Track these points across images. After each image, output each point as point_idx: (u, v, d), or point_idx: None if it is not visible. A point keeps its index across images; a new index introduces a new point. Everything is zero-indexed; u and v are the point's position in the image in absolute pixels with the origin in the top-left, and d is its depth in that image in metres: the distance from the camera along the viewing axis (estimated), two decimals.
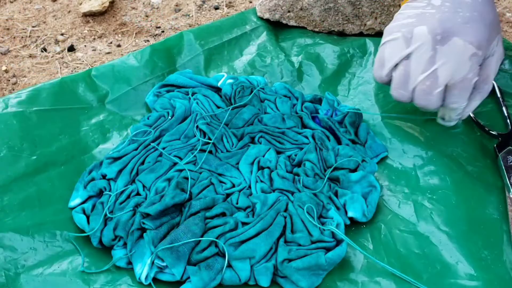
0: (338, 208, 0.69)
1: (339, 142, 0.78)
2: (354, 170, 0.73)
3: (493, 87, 0.84)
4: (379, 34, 0.98)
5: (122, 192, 0.70)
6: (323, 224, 0.66)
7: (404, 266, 0.63)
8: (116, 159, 0.75)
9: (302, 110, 0.83)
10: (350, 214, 0.68)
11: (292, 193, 0.71)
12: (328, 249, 0.63)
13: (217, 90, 0.87)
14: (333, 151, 0.75)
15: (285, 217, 0.66)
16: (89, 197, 0.71)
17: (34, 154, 0.74)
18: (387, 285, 0.61)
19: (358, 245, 0.64)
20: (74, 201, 0.71)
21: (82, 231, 0.67)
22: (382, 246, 0.66)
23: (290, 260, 0.62)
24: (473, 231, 0.65)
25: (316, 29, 0.99)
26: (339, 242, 0.64)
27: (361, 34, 0.98)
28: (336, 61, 0.91)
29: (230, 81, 0.87)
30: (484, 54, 0.63)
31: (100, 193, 0.72)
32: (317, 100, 0.86)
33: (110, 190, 0.71)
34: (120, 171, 0.73)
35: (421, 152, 0.74)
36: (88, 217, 0.68)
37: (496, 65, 0.66)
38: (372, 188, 0.71)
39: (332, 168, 0.73)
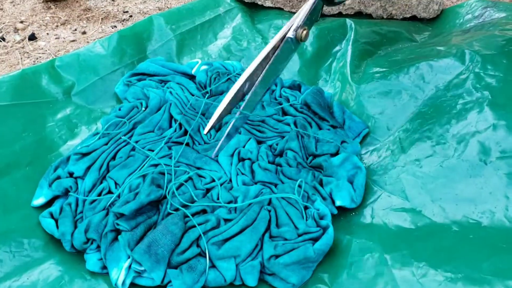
0: (324, 198, 0.66)
1: (320, 128, 0.75)
2: (335, 154, 0.70)
3: None
4: (359, 13, 0.95)
5: (90, 190, 0.66)
6: (307, 215, 0.63)
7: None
8: (84, 154, 0.70)
9: (280, 96, 0.80)
10: (338, 203, 0.65)
11: (276, 185, 0.67)
12: (315, 239, 0.60)
13: (192, 77, 0.83)
14: (314, 138, 0.72)
15: (269, 211, 0.63)
16: (55, 197, 0.67)
17: None
18: (378, 259, 0.58)
19: (348, 231, 0.61)
20: (38, 200, 0.66)
21: (52, 237, 0.62)
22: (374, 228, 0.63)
23: (277, 256, 0.59)
24: None
25: (294, 10, 0.95)
26: (325, 229, 0.61)
27: (340, 14, 0.95)
28: (316, 43, 0.88)
29: (205, 67, 0.83)
30: None
31: (66, 193, 0.67)
32: (296, 86, 0.82)
33: (77, 189, 0.67)
34: (88, 168, 0.69)
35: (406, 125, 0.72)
36: (57, 221, 0.63)
37: None
38: (357, 170, 0.67)
39: (312, 156, 0.70)
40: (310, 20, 0.66)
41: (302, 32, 0.65)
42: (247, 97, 0.61)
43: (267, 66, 0.62)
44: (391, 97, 0.75)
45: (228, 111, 0.60)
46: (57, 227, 0.62)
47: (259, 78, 0.62)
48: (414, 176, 0.64)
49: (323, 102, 0.77)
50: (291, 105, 0.77)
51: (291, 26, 0.64)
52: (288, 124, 0.75)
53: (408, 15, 0.95)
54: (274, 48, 0.63)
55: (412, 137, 0.68)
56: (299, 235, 0.61)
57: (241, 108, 0.61)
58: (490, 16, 0.86)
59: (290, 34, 0.64)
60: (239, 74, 0.82)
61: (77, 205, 0.65)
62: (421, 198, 0.62)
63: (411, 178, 0.64)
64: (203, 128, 0.74)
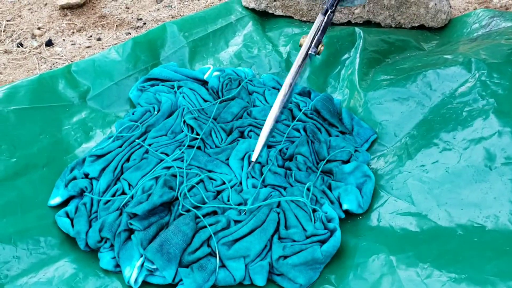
0: (332, 202, 0.67)
1: (330, 134, 0.77)
2: (347, 161, 0.71)
3: None
4: (368, 22, 0.96)
5: (105, 191, 0.68)
6: (315, 218, 0.65)
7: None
8: (99, 156, 0.72)
9: (291, 103, 0.81)
10: (345, 206, 0.66)
11: (285, 188, 0.69)
12: (323, 242, 0.62)
13: (204, 83, 0.85)
14: (325, 143, 0.73)
15: (278, 213, 0.64)
16: (70, 197, 0.68)
17: (14, 156, 0.71)
18: (383, 260, 0.59)
19: (353, 234, 0.62)
20: (54, 200, 0.68)
21: (68, 236, 0.64)
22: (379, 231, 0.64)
23: (285, 257, 0.60)
24: None
25: (304, 18, 0.97)
26: (332, 232, 0.63)
27: (349, 23, 0.97)
28: (325, 51, 0.89)
29: (217, 73, 0.85)
30: None
31: (82, 193, 0.69)
32: (306, 93, 0.84)
33: (92, 190, 0.68)
34: (103, 170, 0.70)
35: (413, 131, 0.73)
36: (72, 220, 0.65)
37: None
38: (367, 178, 0.69)
39: (325, 161, 0.71)
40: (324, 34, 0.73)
41: (321, 47, 0.71)
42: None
43: (299, 72, 0.70)
44: (398, 104, 0.76)
45: (272, 129, 0.66)
46: (72, 226, 0.64)
47: (290, 90, 0.69)
48: (420, 181, 0.65)
49: (333, 108, 0.79)
50: (310, 116, 0.79)
51: (313, 41, 0.70)
52: (298, 130, 0.76)
53: (416, 24, 0.97)
54: (304, 59, 0.70)
55: (418, 143, 0.70)
56: (307, 237, 0.62)
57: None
58: (497, 25, 0.87)
59: (312, 51, 0.70)
60: (251, 80, 0.84)
61: (92, 205, 0.67)
62: (427, 202, 0.63)
63: (418, 183, 0.65)
64: (215, 133, 0.76)
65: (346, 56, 0.89)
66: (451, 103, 0.71)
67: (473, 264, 0.53)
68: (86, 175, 0.70)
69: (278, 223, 0.64)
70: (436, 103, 0.73)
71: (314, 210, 0.66)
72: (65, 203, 0.68)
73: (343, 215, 0.66)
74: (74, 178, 0.69)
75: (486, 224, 0.58)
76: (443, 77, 0.74)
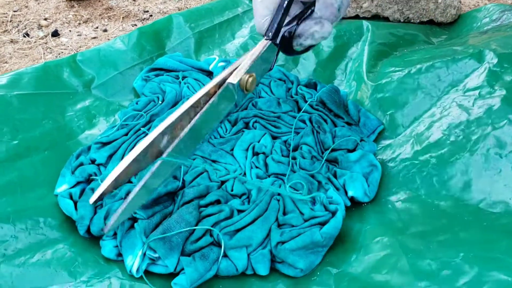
0: (337, 189, 0.66)
1: (336, 124, 0.76)
2: (352, 150, 0.70)
3: None
4: (376, 16, 0.95)
5: None
6: (315, 202, 0.63)
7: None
8: (105, 144, 0.71)
9: (296, 94, 0.80)
10: (350, 193, 0.65)
11: (288, 176, 0.68)
12: (323, 224, 0.60)
13: (209, 73, 0.84)
14: (330, 133, 0.72)
15: (278, 200, 0.63)
16: (77, 183, 0.67)
17: (16, 138, 0.70)
18: (388, 241, 0.58)
19: (357, 219, 0.61)
20: (61, 188, 0.67)
21: (69, 218, 0.63)
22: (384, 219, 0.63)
23: (283, 243, 0.59)
24: None
25: None
26: (334, 213, 0.61)
27: (357, 17, 0.96)
28: (332, 44, 0.89)
29: (222, 64, 0.84)
30: None
31: (89, 179, 0.68)
32: (312, 85, 0.83)
33: (100, 176, 0.68)
34: (110, 157, 0.70)
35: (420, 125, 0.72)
36: (75, 203, 0.64)
37: None
38: (373, 168, 0.67)
39: (329, 149, 0.70)
40: (260, 66, 0.55)
41: (248, 78, 0.53)
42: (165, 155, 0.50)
43: (198, 115, 0.51)
44: (406, 95, 0.75)
45: (133, 173, 0.48)
46: (76, 209, 0.63)
47: (185, 131, 0.50)
48: (428, 170, 0.64)
49: (339, 99, 0.78)
50: (316, 107, 0.78)
51: (235, 70, 0.53)
52: (304, 121, 0.75)
53: (425, 19, 0.96)
54: (208, 95, 0.52)
55: (426, 133, 0.69)
56: (305, 220, 0.61)
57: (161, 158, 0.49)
58: (508, 19, 0.86)
59: (232, 80, 0.52)
60: None
61: None
62: (435, 190, 0.62)
63: (425, 173, 0.64)
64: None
65: (353, 49, 0.88)
66: (461, 93, 0.69)
67: (482, 243, 0.52)
68: (93, 162, 0.70)
69: (279, 210, 0.63)
70: (445, 93, 0.72)
71: (310, 192, 0.65)
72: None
73: (349, 203, 0.65)
74: (81, 164, 0.69)
75: (496, 210, 0.56)
76: (452, 68, 0.73)
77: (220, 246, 0.59)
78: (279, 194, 0.64)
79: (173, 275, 0.58)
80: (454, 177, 0.62)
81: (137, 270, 0.58)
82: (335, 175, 0.68)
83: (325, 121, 0.75)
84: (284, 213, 0.62)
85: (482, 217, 0.56)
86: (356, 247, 0.58)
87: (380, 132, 0.74)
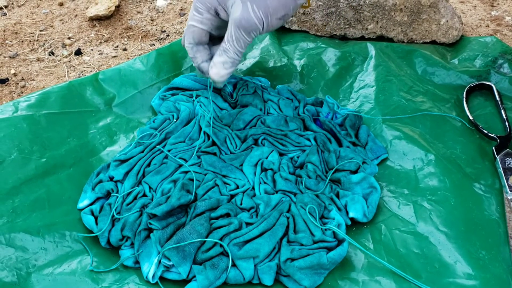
0: (339, 209, 0.71)
1: (340, 144, 0.80)
2: (355, 172, 0.75)
3: (492, 90, 0.86)
4: (381, 38, 1.00)
5: (129, 194, 0.72)
6: (324, 224, 0.68)
7: (403, 265, 0.64)
8: (123, 161, 0.76)
9: (304, 113, 0.85)
10: (351, 214, 0.70)
11: (295, 194, 0.72)
12: (329, 249, 0.65)
13: (220, 91, 0.88)
14: (334, 153, 0.77)
15: (287, 218, 0.68)
16: (97, 199, 0.73)
17: (44, 156, 0.76)
18: (387, 284, 0.63)
19: (359, 244, 0.66)
20: (83, 203, 0.72)
21: (91, 232, 0.69)
22: (382, 246, 0.67)
23: (293, 260, 0.64)
24: (471, 231, 0.67)
25: (319, 33, 1.01)
26: (340, 242, 0.66)
27: (362, 38, 1.00)
28: (337, 64, 0.93)
29: (233, 80, 0.89)
30: None
31: (107, 195, 0.73)
32: (319, 103, 0.87)
33: (117, 192, 0.73)
34: (127, 173, 0.75)
35: (421, 154, 0.76)
36: (96, 218, 0.70)
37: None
38: (373, 189, 0.72)
39: (333, 170, 0.75)
40: None
41: None
42: None
43: None
44: (410, 121, 0.80)
45: None
46: (96, 224, 0.69)
47: None
48: (423, 204, 0.70)
49: (358, 123, 0.82)
50: (330, 121, 0.83)
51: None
52: (309, 139, 0.80)
53: (428, 40, 1.00)
54: None
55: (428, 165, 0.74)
56: (315, 242, 0.66)
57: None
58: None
59: None
60: (266, 89, 0.87)
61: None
62: (428, 226, 0.68)
63: (421, 205, 0.70)
64: (229, 140, 0.80)
65: (358, 69, 0.92)
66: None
67: None
68: (111, 179, 0.75)
69: (288, 227, 0.67)
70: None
71: (322, 217, 0.69)
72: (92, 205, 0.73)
73: (349, 222, 0.70)
74: (100, 181, 0.74)
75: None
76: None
77: (229, 256, 0.64)
78: (288, 212, 0.69)
79: (185, 282, 0.63)
80: (450, 211, 0.69)
81: (153, 277, 0.63)
82: (337, 195, 0.73)
83: (329, 140, 0.80)
84: (295, 231, 0.67)
85: (475, 259, 0.62)
86: (359, 281, 0.64)
87: (383, 159, 0.79)
